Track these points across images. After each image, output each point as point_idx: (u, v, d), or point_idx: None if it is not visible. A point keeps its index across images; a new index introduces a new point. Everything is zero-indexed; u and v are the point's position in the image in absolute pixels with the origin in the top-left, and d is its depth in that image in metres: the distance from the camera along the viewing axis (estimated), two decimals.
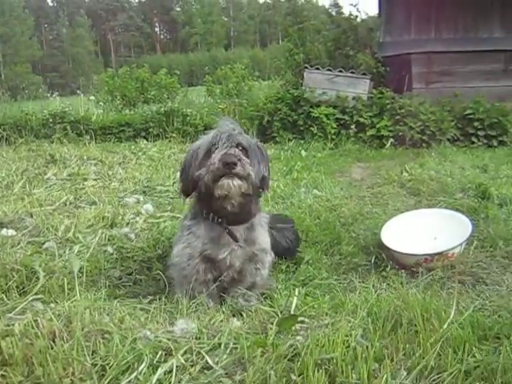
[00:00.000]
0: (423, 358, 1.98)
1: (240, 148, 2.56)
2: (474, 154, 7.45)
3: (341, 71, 9.29)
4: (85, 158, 7.19)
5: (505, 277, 3.20)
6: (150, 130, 9.64)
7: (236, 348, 2.10)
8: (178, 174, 2.87)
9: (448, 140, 8.35)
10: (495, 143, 8.34)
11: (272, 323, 2.30)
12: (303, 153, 7.72)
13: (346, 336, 2.09)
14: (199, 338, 2.18)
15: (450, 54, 9.23)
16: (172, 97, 14.85)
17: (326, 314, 2.44)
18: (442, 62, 9.29)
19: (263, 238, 2.87)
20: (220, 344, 2.13)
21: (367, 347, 2.00)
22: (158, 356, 2.00)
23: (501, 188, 4.82)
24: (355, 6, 10.54)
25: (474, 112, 8.52)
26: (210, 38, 79.25)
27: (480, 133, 8.42)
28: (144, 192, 5.31)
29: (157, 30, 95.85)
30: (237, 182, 2.49)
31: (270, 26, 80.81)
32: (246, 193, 2.57)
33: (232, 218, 2.69)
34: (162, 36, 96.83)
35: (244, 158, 2.52)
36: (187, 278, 2.74)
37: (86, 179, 5.82)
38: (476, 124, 8.45)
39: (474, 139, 8.42)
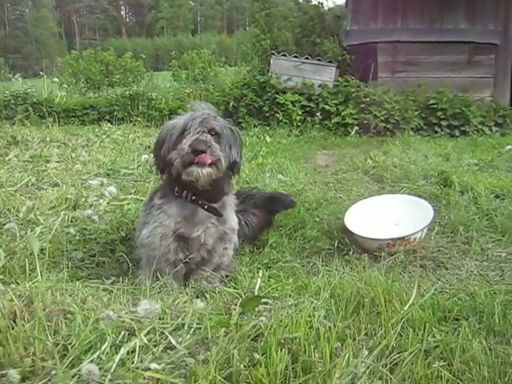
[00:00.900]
0: (384, 338, 2.02)
1: (213, 133, 2.57)
2: (437, 143, 7.55)
3: (307, 58, 9.31)
4: (47, 140, 7.06)
5: (464, 261, 3.28)
6: (115, 113, 9.50)
7: (199, 328, 2.10)
8: (152, 149, 2.85)
9: (412, 129, 8.44)
10: (457, 133, 8.47)
11: (236, 304, 2.31)
12: (268, 139, 7.71)
13: (309, 317, 2.11)
14: (162, 319, 2.18)
15: (416, 44, 9.31)
16: (137, 81, 14.69)
17: (290, 296, 2.46)
18: (408, 51, 9.36)
19: (233, 218, 2.90)
20: (183, 324, 2.14)
21: (330, 327, 2.02)
22: (120, 336, 2.00)
23: (462, 176, 4.90)
24: None
25: (437, 102, 8.64)
26: (177, 23, 78.38)
27: (443, 122, 8.55)
28: (108, 175, 5.24)
29: (123, 13, 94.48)
30: (206, 170, 2.51)
31: (237, 11, 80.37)
32: (215, 178, 2.58)
33: (206, 195, 2.70)
34: (127, 19, 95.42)
35: (214, 144, 2.53)
36: (157, 258, 2.73)
37: (48, 161, 5.71)
38: (439, 114, 8.57)
39: (436, 129, 8.54)
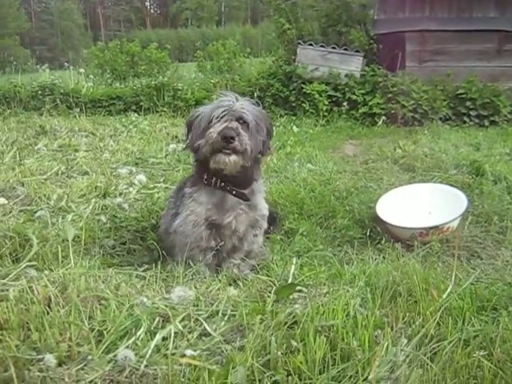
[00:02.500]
0: (423, 327, 1.99)
1: (241, 121, 2.55)
2: (467, 133, 7.44)
3: (334, 48, 9.23)
4: (75, 129, 7.14)
5: (499, 251, 3.23)
6: (141, 103, 9.53)
7: (234, 315, 2.10)
8: (184, 133, 2.85)
9: (440, 119, 8.33)
10: (487, 123, 8.33)
11: (269, 292, 2.31)
12: (295, 129, 7.66)
13: (345, 305, 2.08)
14: (197, 305, 2.18)
15: (444, 33, 9.14)
16: (162, 71, 14.69)
17: (324, 284, 2.43)
18: (436, 40, 9.21)
19: (263, 204, 2.88)
20: (218, 311, 2.14)
21: (367, 315, 2.00)
22: (155, 322, 2.01)
23: (495, 165, 4.82)
24: None
25: (466, 92, 8.51)
26: (201, 14, 78.23)
27: (472, 112, 8.41)
28: (136, 163, 5.27)
29: (147, 4, 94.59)
30: (233, 157, 2.52)
31: (262, 2, 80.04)
32: (242, 165, 2.57)
33: (234, 182, 2.70)
34: (152, 11, 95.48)
35: (243, 132, 2.52)
36: (190, 246, 2.72)
37: (77, 150, 5.76)
38: (468, 104, 8.44)
39: (465, 119, 8.42)
